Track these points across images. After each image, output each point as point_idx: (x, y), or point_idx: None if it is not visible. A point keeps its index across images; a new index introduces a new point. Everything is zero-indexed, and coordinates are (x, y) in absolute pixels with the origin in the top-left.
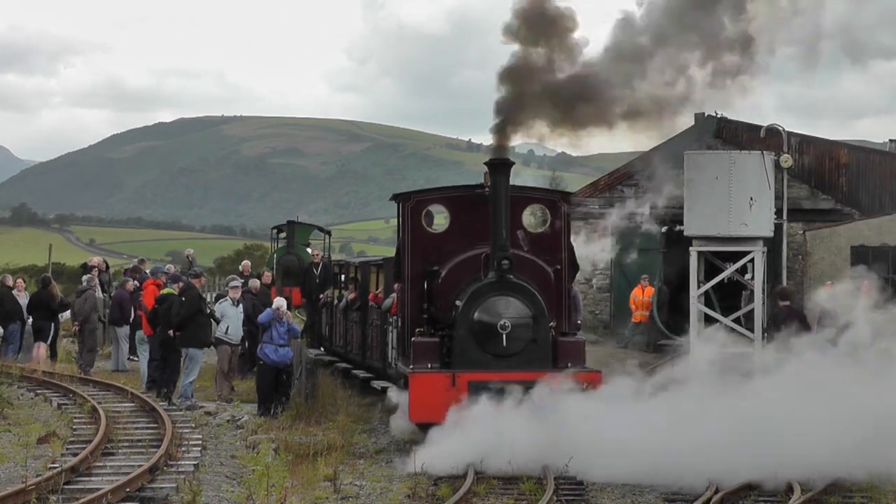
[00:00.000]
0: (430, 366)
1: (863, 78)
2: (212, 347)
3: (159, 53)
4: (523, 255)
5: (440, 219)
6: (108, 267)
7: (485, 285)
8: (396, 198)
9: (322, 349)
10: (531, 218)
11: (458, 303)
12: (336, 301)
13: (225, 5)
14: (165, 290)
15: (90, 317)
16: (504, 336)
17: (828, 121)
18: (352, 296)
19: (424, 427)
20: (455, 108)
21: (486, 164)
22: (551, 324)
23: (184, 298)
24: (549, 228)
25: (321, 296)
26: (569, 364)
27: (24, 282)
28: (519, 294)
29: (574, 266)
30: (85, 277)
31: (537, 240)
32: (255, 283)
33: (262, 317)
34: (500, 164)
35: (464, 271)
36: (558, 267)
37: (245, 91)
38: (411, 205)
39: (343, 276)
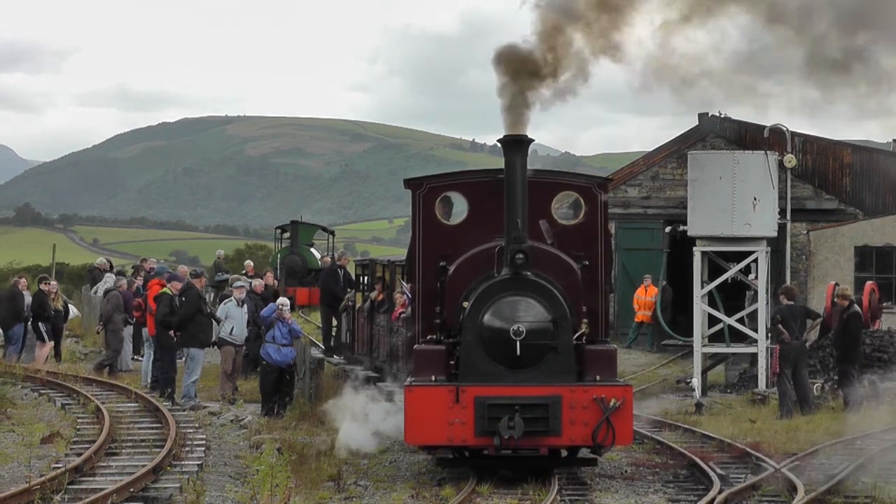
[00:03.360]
0: (433, 378)
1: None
2: (215, 347)
3: (165, 53)
4: (545, 248)
5: (457, 208)
6: (111, 267)
7: (496, 283)
8: (408, 184)
9: (342, 358)
10: (562, 207)
11: (465, 304)
12: (361, 304)
13: (230, 5)
14: (161, 290)
15: (113, 317)
16: (518, 343)
17: (836, 120)
18: (379, 297)
19: (426, 449)
20: (460, 109)
21: (498, 141)
22: (582, 330)
23: (184, 298)
24: (583, 219)
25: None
26: (597, 377)
27: (28, 281)
28: (537, 294)
29: (609, 262)
30: (109, 276)
31: (568, 232)
32: (257, 283)
33: (266, 311)
34: (514, 141)
35: (474, 267)
36: (587, 263)
37: (248, 91)
38: (423, 192)
39: (367, 277)
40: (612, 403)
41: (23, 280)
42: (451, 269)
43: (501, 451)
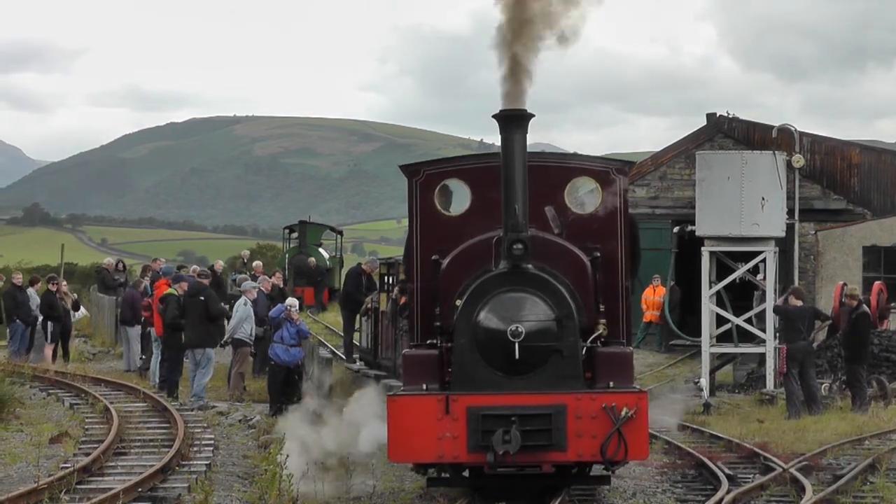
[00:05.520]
0: (425, 387)
1: (887, 77)
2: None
3: (175, 53)
4: (549, 238)
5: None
6: (125, 267)
7: (491, 278)
8: (404, 170)
9: (363, 363)
10: (578, 195)
11: (457, 302)
12: (385, 306)
13: (241, 5)
14: (167, 291)
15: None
16: (517, 346)
17: (850, 120)
18: (402, 301)
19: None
20: (469, 109)
21: (494, 117)
22: (599, 331)
23: (202, 298)
24: (600, 208)
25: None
26: (610, 383)
27: (42, 286)
28: (538, 290)
29: (636, 256)
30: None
31: (584, 223)
32: (265, 283)
33: (274, 312)
34: (512, 116)
35: (470, 261)
36: (598, 255)
37: (257, 91)
38: (420, 180)
39: (391, 278)
40: (623, 413)
41: (38, 284)
42: (445, 263)
43: (498, 468)
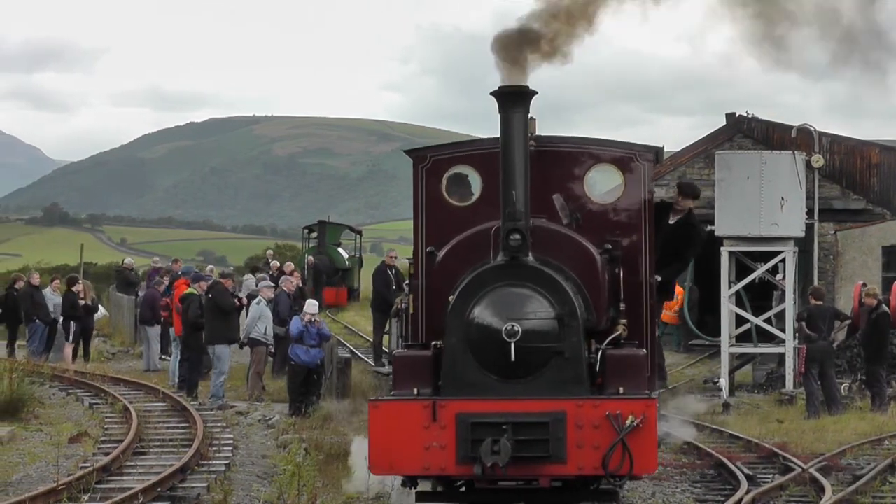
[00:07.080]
0: (416, 392)
1: None
2: (244, 347)
3: (196, 54)
4: (555, 228)
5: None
6: (132, 269)
7: (486, 272)
8: (411, 155)
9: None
10: (597, 182)
11: (450, 298)
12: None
13: (264, 5)
14: (187, 291)
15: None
16: (513, 346)
17: (874, 120)
18: None
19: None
20: (488, 107)
21: (492, 94)
22: (618, 331)
23: (210, 295)
24: (622, 197)
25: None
26: (620, 389)
27: (60, 285)
28: (539, 285)
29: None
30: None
31: (604, 214)
32: (288, 283)
33: (293, 328)
34: (512, 93)
35: (468, 254)
36: (609, 247)
37: (277, 91)
38: (427, 166)
39: None
40: (628, 422)
41: (55, 282)
42: (440, 256)
43: (492, 482)
